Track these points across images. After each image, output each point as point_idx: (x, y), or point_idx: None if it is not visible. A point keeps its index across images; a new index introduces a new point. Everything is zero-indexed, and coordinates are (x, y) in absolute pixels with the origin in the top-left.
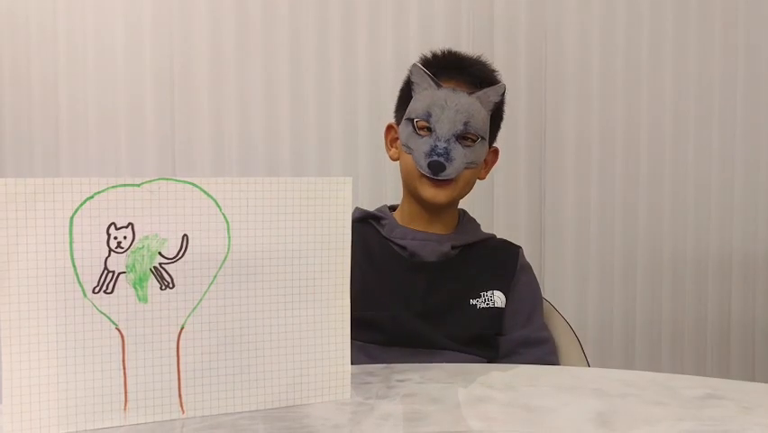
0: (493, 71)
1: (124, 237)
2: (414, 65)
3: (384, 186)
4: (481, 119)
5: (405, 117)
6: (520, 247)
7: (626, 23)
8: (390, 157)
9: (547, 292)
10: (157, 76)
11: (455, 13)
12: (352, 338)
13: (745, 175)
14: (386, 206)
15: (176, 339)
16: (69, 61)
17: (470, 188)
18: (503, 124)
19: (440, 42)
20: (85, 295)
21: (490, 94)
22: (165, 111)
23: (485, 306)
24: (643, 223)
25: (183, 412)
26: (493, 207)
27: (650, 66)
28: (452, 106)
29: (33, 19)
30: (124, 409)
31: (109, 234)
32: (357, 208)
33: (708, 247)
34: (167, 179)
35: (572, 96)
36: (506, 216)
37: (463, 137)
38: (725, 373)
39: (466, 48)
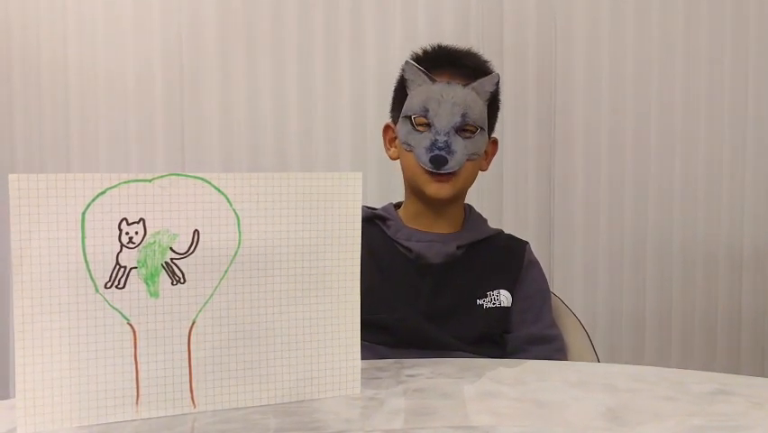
0: (485, 62)
1: (136, 233)
2: (406, 62)
3: (393, 183)
4: (479, 110)
5: (402, 115)
6: (527, 243)
7: (635, 14)
8: (390, 157)
9: (556, 287)
10: (166, 73)
11: (464, 5)
12: (361, 339)
13: (756, 168)
14: (391, 204)
15: (187, 334)
16: (80, 58)
17: (473, 181)
18: (512, 117)
19: (449, 36)
20: (97, 290)
21: (485, 84)
22: (174, 108)
23: (491, 306)
24: (652, 217)
25: (194, 406)
26: (502, 201)
27: (660, 57)
28: (449, 99)
29: (44, 14)
30: (136, 403)
31: (121, 230)
32: (363, 207)
33: (719, 242)
34: (178, 174)
35: (582, 89)
36: (514, 210)
37: (462, 129)
38: (735, 368)
39: (475, 41)
